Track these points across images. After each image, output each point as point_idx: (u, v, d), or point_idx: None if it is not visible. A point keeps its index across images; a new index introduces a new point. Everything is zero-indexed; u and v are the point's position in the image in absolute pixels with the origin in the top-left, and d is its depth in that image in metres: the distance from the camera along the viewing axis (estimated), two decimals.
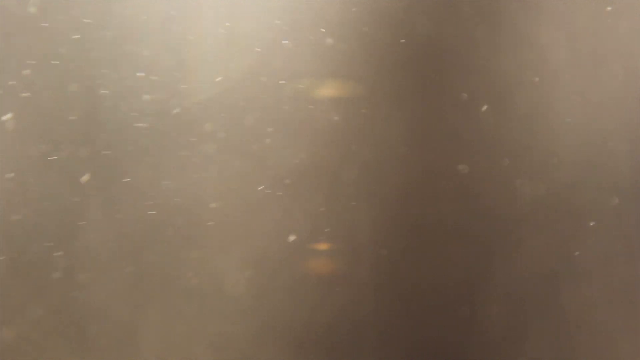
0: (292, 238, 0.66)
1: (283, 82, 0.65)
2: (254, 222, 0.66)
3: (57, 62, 0.63)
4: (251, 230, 0.66)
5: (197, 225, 0.65)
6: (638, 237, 0.68)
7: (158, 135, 0.65)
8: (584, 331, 0.68)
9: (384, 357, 0.67)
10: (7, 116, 0.55)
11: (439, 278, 0.67)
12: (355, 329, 0.67)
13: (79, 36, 0.63)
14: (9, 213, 0.63)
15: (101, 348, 0.65)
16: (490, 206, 0.67)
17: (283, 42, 0.65)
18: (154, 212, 0.65)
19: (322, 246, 0.67)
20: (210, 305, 0.66)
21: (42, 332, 0.64)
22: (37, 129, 0.64)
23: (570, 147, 0.67)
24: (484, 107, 0.66)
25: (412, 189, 0.67)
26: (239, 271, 0.66)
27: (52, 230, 0.64)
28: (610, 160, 0.68)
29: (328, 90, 0.66)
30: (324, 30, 0.65)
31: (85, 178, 0.61)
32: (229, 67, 0.65)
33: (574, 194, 0.68)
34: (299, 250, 0.66)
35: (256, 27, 0.65)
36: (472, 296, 0.67)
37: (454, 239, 0.67)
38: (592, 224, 0.68)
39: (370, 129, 0.66)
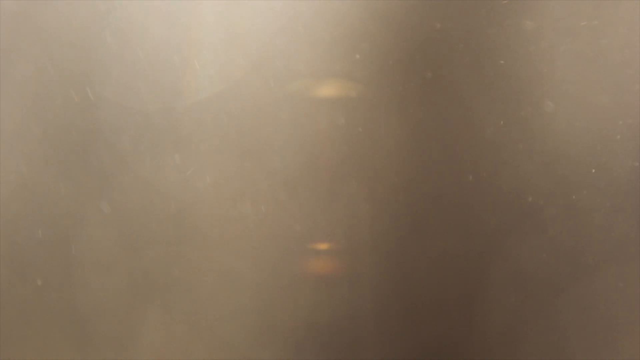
0: (292, 238, 0.66)
1: (283, 82, 0.65)
2: (254, 222, 0.66)
3: (57, 61, 0.63)
4: (251, 230, 0.66)
5: (197, 225, 0.65)
6: (638, 237, 0.68)
7: (158, 135, 0.65)
8: (584, 331, 0.68)
9: (384, 357, 0.67)
10: None
11: (439, 278, 0.67)
12: (355, 329, 0.67)
13: (79, 36, 0.63)
14: (9, 213, 0.63)
15: (101, 348, 0.65)
16: (490, 206, 0.67)
17: (283, 42, 0.65)
18: (153, 212, 0.65)
19: (322, 246, 0.67)
20: (210, 305, 0.66)
21: (42, 332, 0.64)
22: (37, 128, 0.64)
23: (570, 147, 0.67)
24: (485, 106, 0.66)
25: (412, 189, 0.67)
26: (238, 271, 0.66)
27: (52, 230, 0.64)
28: (610, 160, 0.68)
29: (328, 90, 0.66)
30: (324, 30, 0.65)
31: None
32: (229, 67, 0.65)
33: (574, 194, 0.68)
34: (299, 250, 0.66)
35: (256, 27, 0.65)
36: (472, 297, 0.67)
37: (454, 239, 0.67)
38: (592, 223, 0.68)
39: (370, 129, 0.66)
